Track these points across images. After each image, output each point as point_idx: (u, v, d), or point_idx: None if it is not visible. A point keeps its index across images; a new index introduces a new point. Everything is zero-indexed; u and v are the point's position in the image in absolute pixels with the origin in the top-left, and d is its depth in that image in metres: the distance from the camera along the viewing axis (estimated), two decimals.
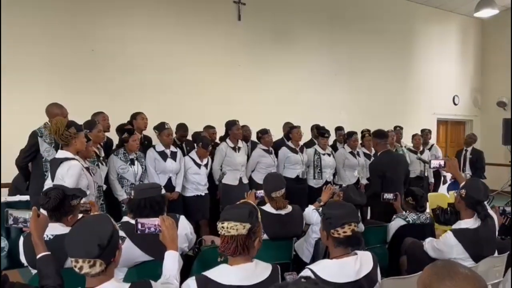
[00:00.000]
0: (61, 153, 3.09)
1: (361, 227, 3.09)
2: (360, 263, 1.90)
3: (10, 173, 4.42)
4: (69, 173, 2.96)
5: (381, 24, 8.47)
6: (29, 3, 5.26)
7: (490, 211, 2.82)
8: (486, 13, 8.20)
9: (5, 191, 4.27)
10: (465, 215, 2.71)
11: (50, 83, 5.32)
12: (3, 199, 3.64)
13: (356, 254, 1.95)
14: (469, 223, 2.66)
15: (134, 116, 4.62)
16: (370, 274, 1.91)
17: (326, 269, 1.86)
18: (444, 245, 2.64)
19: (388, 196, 3.67)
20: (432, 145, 6.82)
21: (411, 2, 9.02)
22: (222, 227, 1.68)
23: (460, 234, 2.60)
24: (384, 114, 8.14)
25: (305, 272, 1.85)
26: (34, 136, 3.44)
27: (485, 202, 2.74)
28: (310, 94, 7.53)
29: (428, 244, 2.79)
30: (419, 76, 9.23)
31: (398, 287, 2.22)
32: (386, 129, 5.73)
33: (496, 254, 2.70)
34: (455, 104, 9.92)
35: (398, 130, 6.35)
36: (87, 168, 3.37)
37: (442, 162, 3.38)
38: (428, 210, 3.44)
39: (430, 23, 9.38)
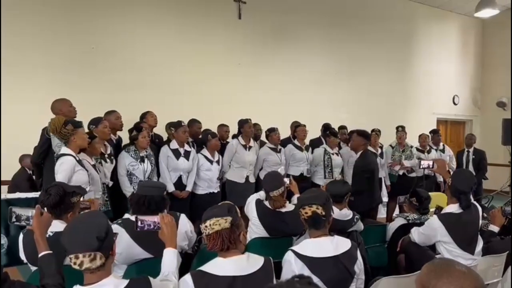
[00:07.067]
0: (62, 150, 3.17)
1: (360, 226, 3.09)
2: (337, 243, 2.04)
3: (10, 170, 4.44)
4: (61, 168, 3.05)
5: (382, 23, 8.47)
6: (29, 0, 5.25)
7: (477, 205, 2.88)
8: (487, 13, 8.18)
9: (4, 188, 4.28)
10: (450, 202, 2.82)
11: (50, 80, 5.30)
12: (2, 196, 3.63)
13: (333, 236, 2.08)
14: (453, 208, 2.77)
15: (144, 115, 4.68)
16: (348, 251, 2.02)
17: (305, 247, 2.00)
18: (428, 227, 2.77)
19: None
20: (444, 146, 6.67)
21: (412, 1, 9.01)
22: (206, 226, 1.72)
23: (444, 217, 2.73)
24: (384, 113, 8.15)
25: (288, 254, 1.99)
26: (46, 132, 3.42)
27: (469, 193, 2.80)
28: (310, 92, 7.52)
29: (414, 232, 2.88)
30: (419, 75, 9.22)
31: (396, 286, 2.23)
32: (387, 127, 5.74)
33: (481, 242, 2.77)
34: (455, 104, 9.91)
35: (401, 130, 6.15)
36: (94, 166, 3.43)
37: (430, 163, 3.40)
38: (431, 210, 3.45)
39: (431, 23, 9.36)
